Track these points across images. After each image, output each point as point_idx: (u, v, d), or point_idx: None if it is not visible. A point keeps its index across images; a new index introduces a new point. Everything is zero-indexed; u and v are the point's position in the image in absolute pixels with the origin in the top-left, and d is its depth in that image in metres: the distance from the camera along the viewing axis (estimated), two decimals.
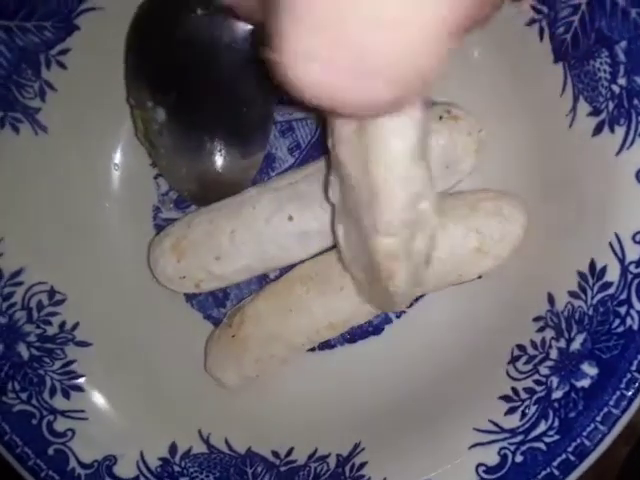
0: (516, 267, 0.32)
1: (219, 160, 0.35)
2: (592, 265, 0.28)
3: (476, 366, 0.33)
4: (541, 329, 0.30)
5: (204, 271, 0.34)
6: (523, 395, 0.29)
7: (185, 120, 0.34)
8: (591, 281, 0.28)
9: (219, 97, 0.33)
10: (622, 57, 0.27)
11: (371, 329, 0.37)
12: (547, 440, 0.27)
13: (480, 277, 0.33)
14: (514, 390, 0.30)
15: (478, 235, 0.31)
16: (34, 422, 0.32)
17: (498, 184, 0.34)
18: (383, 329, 0.37)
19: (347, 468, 0.32)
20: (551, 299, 0.30)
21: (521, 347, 0.31)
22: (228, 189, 0.35)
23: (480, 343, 0.33)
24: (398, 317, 0.37)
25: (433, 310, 0.35)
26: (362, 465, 0.32)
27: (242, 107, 0.34)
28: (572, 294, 0.29)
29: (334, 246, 0.33)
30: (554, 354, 0.29)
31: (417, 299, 0.36)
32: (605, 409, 0.26)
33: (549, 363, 0.29)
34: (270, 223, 0.33)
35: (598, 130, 0.28)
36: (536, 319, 0.31)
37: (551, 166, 0.32)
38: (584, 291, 0.29)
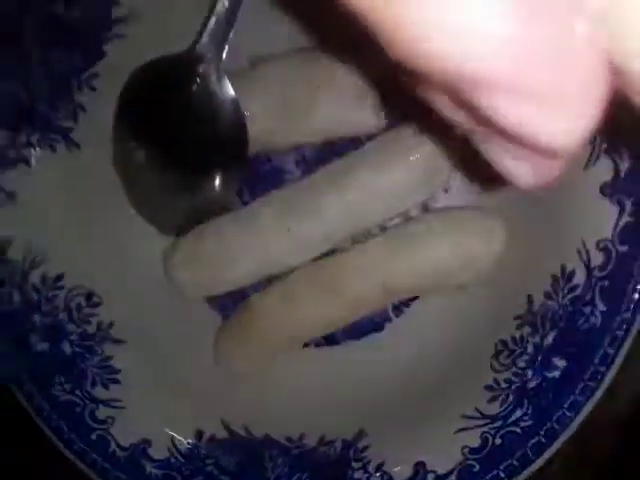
0: (501, 272, 0.36)
1: (193, 195, 0.39)
2: (563, 269, 0.32)
3: (464, 359, 0.36)
4: (520, 326, 0.34)
5: (214, 278, 0.38)
6: (503, 385, 0.33)
7: (163, 162, 0.38)
8: (562, 283, 0.32)
9: (194, 146, 0.38)
10: None
11: (373, 326, 0.41)
12: (522, 425, 0.31)
13: (464, 286, 0.36)
14: (496, 381, 0.33)
15: (462, 252, 0.35)
16: (78, 410, 0.36)
17: (478, 198, 0.37)
18: (383, 326, 0.41)
19: (351, 451, 0.36)
20: (530, 300, 0.34)
21: (503, 342, 0.34)
22: (199, 220, 0.39)
23: (469, 339, 0.37)
24: (397, 316, 0.41)
25: (427, 310, 0.39)
26: (365, 448, 0.36)
27: (215, 152, 0.38)
28: (546, 295, 0.33)
29: (332, 251, 0.38)
30: (530, 349, 0.32)
31: (412, 300, 0.40)
32: (572, 397, 0.30)
33: (526, 357, 0.32)
34: (271, 233, 0.37)
35: None
36: (516, 317, 0.34)
37: None
38: (556, 292, 0.32)
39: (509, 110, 0.13)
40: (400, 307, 0.40)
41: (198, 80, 0.35)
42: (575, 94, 0.13)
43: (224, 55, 0.35)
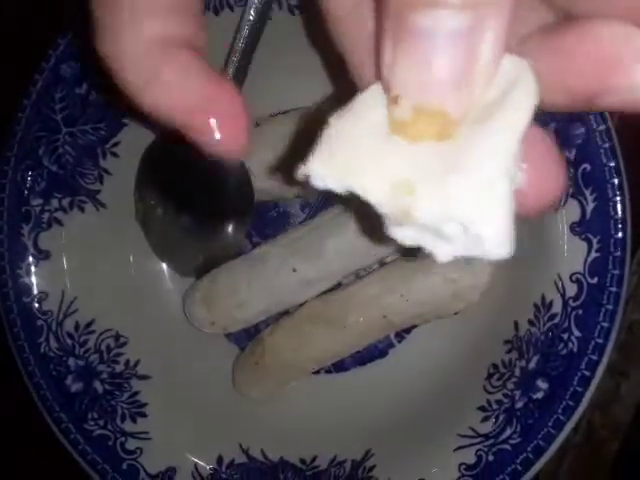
0: (490, 301, 0.39)
1: (208, 242, 0.44)
2: (543, 299, 0.35)
3: (460, 382, 0.39)
4: (509, 351, 0.37)
5: (229, 317, 0.42)
6: (495, 406, 0.36)
7: (180, 215, 0.43)
8: (542, 312, 0.35)
9: (207, 201, 0.42)
10: (553, 135, 0.34)
11: (377, 353, 0.45)
12: (512, 442, 0.34)
13: (456, 313, 0.40)
14: (488, 402, 0.36)
15: (454, 284, 0.38)
16: (110, 443, 0.40)
17: None
18: (387, 353, 0.44)
19: (360, 471, 0.39)
20: (516, 326, 0.37)
21: (495, 366, 0.38)
22: (214, 263, 0.43)
23: (463, 363, 0.40)
24: (399, 342, 0.44)
25: (425, 337, 0.42)
26: (372, 468, 0.39)
27: (225, 205, 0.42)
28: (530, 322, 0.36)
29: (331, 289, 0.42)
30: (517, 372, 0.36)
31: (412, 327, 0.43)
32: (555, 416, 0.33)
33: (514, 379, 0.36)
34: (279, 274, 0.41)
35: None
36: (506, 342, 0.38)
37: None
38: (538, 320, 0.35)
39: None
40: (402, 334, 0.44)
41: None
42: None
43: None
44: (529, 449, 0.33)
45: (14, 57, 0.41)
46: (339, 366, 0.45)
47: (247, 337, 0.46)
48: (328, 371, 0.45)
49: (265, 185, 0.43)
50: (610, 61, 0.15)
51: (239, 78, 0.38)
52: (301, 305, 0.43)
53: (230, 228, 0.43)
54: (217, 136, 0.17)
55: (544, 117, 0.32)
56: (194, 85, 0.17)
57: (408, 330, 0.44)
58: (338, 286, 0.43)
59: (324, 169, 0.16)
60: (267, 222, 0.46)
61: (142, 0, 0.16)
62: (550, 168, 0.17)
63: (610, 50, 0.15)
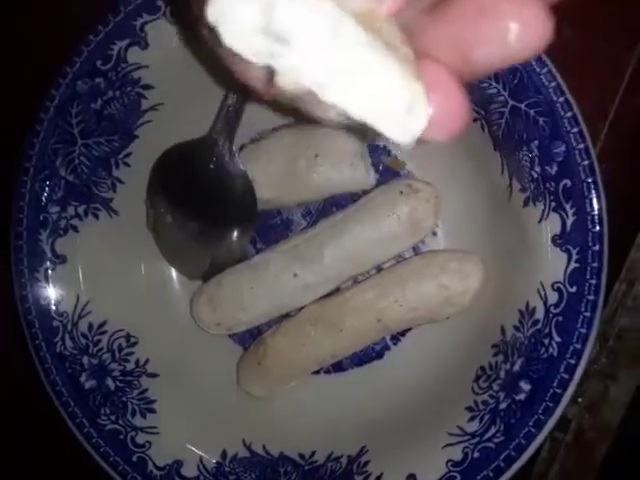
0: (480, 307, 0.41)
1: (215, 247, 0.46)
2: (527, 306, 0.37)
3: (450, 383, 0.42)
4: (495, 354, 0.39)
5: (233, 319, 0.45)
6: (481, 406, 0.38)
7: (188, 223, 0.46)
8: (526, 318, 0.37)
9: (213, 209, 0.45)
10: (536, 152, 0.36)
11: (374, 354, 0.47)
12: (495, 440, 0.36)
13: (448, 318, 0.42)
14: (475, 402, 0.39)
15: (446, 291, 0.41)
16: (121, 437, 0.43)
17: (460, 243, 0.43)
18: (383, 355, 0.47)
19: (355, 466, 0.42)
20: (503, 331, 0.39)
21: (482, 368, 0.40)
22: (220, 268, 0.46)
23: (454, 365, 0.42)
24: (395, 344, 0.47)
25: (419, 340, 0.45)
26: (366, 463, 0.41)
27: (230, 214, 0.45)
28: (515, 327, 0.38)
29: (330, 293, 0.44)
30: (502, 374, 0.38)
31: (407, 331, 0.45)
32: (536, 416, 0.35)
33: (499, 381, 0.38)
34: (280, 279, 0.43)
35: (526, 203, 0.37)
36: (493, 346, 0.40)
37: (498, 228, 0.41)
38: (522, 325, 0.37)
39: None
40: (397, 337, 0.46)
41: (214, 159, 0.42)
42: None
43: (234, 137, 0.42)
44: (511, 447, 0.36)
45: (32, 74, 0.44)
46: (337, 366, 0.47)
47: (250, 338, 0.49)
48: (327, 371, 0.47)
49: (268, 194, 0.45)
50: (484, 8, 0.16)
51: (240, 104, 0.41)
52: (301, 308, 0.45)
53: (235, 235, 0.46)
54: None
55: (525, 137, 0.34)
56: None
57: (403, 333, 0.46)
58: (337, 290, 0.46)
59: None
60: (270, 229, 0.48)
61: None
62: (452, 90, 0.18)
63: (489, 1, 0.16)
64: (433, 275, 0.42)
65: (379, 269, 0.46)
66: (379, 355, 0.47)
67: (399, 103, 0.16)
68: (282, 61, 0.15)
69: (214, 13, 0.15)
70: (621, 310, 0.50)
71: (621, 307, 0.50)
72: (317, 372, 0.47)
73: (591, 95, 0.44)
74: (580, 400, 0.49)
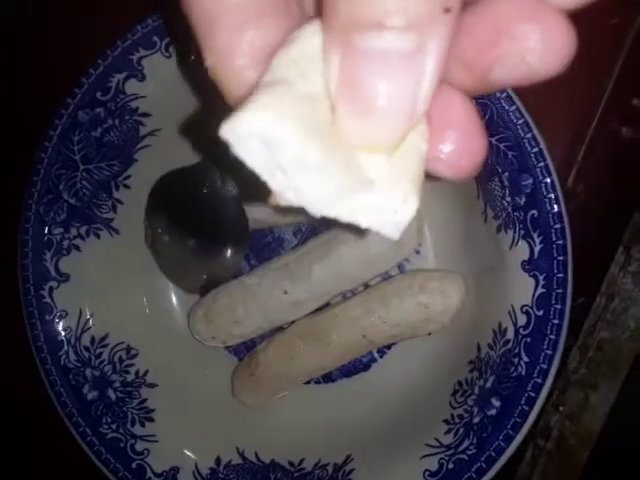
0: (459, 324, 0.44)
1: (210, 264, 0.49)
2: (500, 326, 0.39)
3: (431, 396, 0.44)
4: (471, 370, 0.41)
5: (227, 332, 0.48)
6: (457, 420, 0.40)
7: (185, 241, 0.49)
8: (499, 337, 0.39)
9: (208, 229, 0.48)
10: (507, 183, 0.38)
11: (362, 366, 0.50)
12: (469, 453, 0.39)
13: (429, 334, 0.44)
14: (452, 416, 0.41)
15: (426, 309, 0.43)
16: (121, 445, 0.45)
17: (444, 261, 0.45)
18: (370, 366, 0.49)
19: (340, 473, 0.44)
20: (479, 348, 0.42)
21: (460, 383, 0.42)
22: (216, 283, 0.49)
23: (435, 380, 0.45)
24: (381, 357, 0.49)
25: (405, 354, 0.47)
26: (351, 471, 0.44)
27: (224, 233, 0.48)
28: (489, 346, 0.40)
29: (320, 308, 0.47)
30: (476, 390, 0.40)
31: (392, 345, 0.48)
32: (505, 431, 0.37)
33: (473, 397, 0.40)
34: (272, 296, 0.46)
35: (499, 229, 0.39)
36: (469, 362, 0.42)
37: (476, 249, 0.43)
38: (495, 344, 0.40)
39: None
40: (383, 350, 0.49)
41: (206, 184, 0.45)
42: None
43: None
44: (482, 459, 0.38)
45: (36, 105, 0.47)
46: (327, 377, 0.50)
47: (245, 349, 0.51)
48: (317, 382, 0.50)
49: (260, 215, 0.48)
50: (502, 29, 0.15)
51: None
52: (292, 323, 0.48)
53: (229, 252, 0.49)
54: None
55: (496, 168, 0.36)
56: None
57: (389, 346, 0.48)
58: (326, 305, 0.48)
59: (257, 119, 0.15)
60: (263, 246, 0.51)
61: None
62: (472, 131, 0.18)
63: (506, 21, 0.15)
64: (414, 294, 0.44)
65: (366, 285, 0.48)
66: (366, 367, 0.49)
67: (386, 210, 0.17)
68: (275, 184, 0.17)
69: (227, 133, 0.16)
70: (601, 323, 0.52)
71: (601, 320, 0.52)
72: (308, 382, 0.50)
73: (567, 120, 0.46)
74: (562, 409, 0.51)
